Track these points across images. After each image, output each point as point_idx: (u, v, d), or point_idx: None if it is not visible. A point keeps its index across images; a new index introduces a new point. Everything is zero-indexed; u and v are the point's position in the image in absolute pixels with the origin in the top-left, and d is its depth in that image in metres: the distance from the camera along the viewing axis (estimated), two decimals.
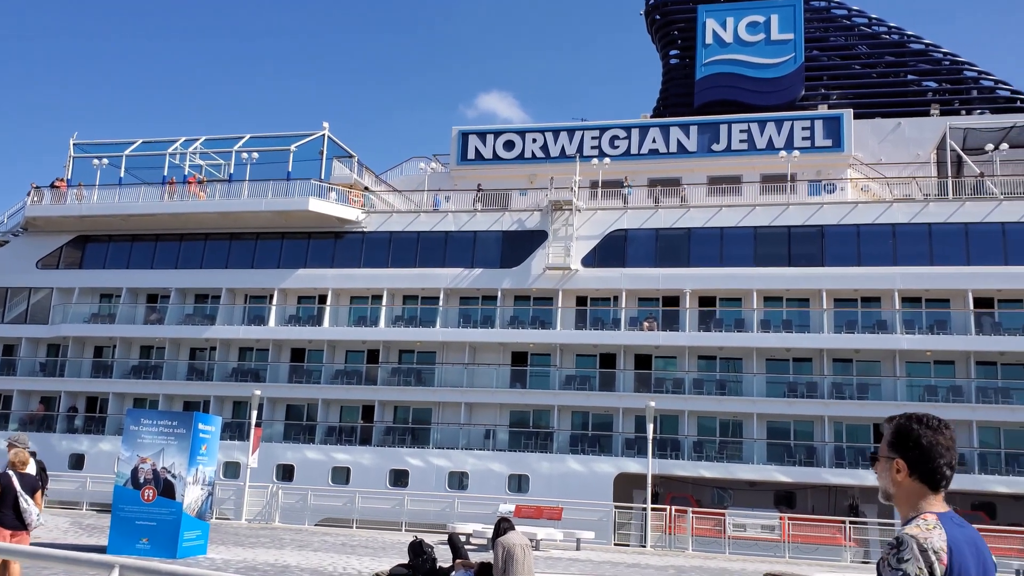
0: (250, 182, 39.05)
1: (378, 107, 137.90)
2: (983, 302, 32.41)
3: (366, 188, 40.52)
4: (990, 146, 35.56)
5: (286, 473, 34.75)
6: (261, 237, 39.31)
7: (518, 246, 36.57)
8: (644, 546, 27.74)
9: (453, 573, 11.82)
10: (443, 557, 13.62)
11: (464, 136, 41.56)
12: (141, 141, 42.38)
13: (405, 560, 13.46)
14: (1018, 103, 40.71)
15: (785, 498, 32.69)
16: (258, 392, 32.38)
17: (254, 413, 31.55)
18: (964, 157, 35.93)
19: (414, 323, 37.17)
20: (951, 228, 32.72)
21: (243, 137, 41.16)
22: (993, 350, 31.46)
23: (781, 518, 28.45)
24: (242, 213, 38.51)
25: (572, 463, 32.80)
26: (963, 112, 40.33)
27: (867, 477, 30.81)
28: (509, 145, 40.96)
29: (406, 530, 28.71)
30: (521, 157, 40.66)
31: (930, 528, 2.85)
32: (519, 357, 36.32)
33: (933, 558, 2.75)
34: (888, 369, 32.50)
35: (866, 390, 32.47)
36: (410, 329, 36.77)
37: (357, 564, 17.51)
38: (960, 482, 30.02)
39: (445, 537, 14.14)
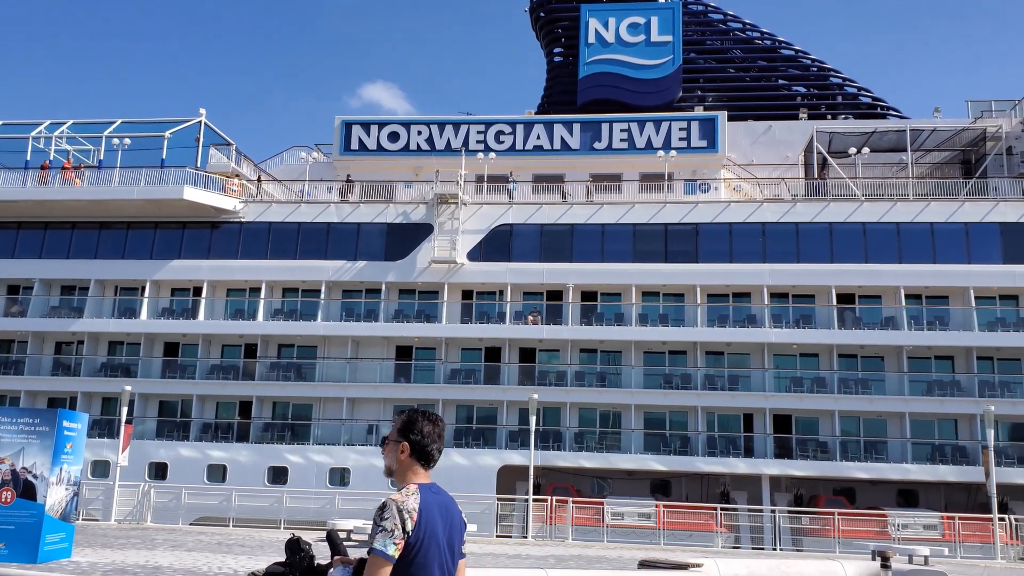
0: (121, 169, 37.37)
1: (258, 95, 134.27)
2: (845, 298, 34.28)
3: (255, 177, 39.41)
4: (853, 149, 37.63)
5: (159, 471, 33.53)
6: (133, 226, 37.70)
7: (403, 239, 36.36)
8: (526, 537, 28.11)
9: (331, 570, 11.67)
10: (322, 554, 13.45)
11: (347, 126, 40.96)
12: (1, 123, 39.93)
13: (282, 558, 13.22)
14: (879, 109, 43.21)
15: (661, 486, 33.77)
16: (128, 388, 31.07)
17: (124, 410, 30.26)
18: (829, 160, 37.89)
19: (294, 317, 36.44)
20: (816, 227, 34.46)
21: (114, 122, 39.34)
22: (854, 343, 33.34)
23: (657, 506, 29.37)
24: (113, 201, 36.83)
25: (456, 457, 32.90)
26: (829, 117, 42.49)
27: (738, 465, 32.19)
28: (394, 137, 40.63)
29: (285, 528, 28.17)
30: (406, 149, 40.40)
31: (409, 495, 3.74)
32: (403, 351, 36.15)
33: (407, 516, 3.67)
34: (757, 361, 33.98)
35: (737, 381, 33.87)
36: (290, 323, 36.03)
37: (233, 563, 17.08)
38: (823, 468, 31.84)
39: (324, 534, 13.97)
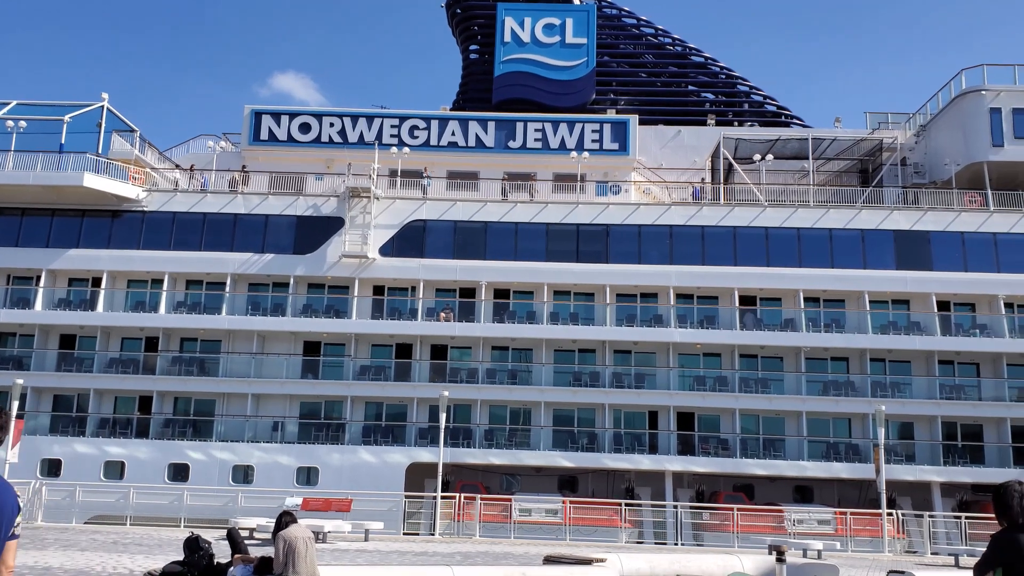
0: (16, 153, 35.67)
1: (165, 82, 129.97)
2: (747, 300, 35.35)
3: (164, 165, 38.16)
4: (758, 156, 38.84)
5: (52, 468, 32.19)
6: (28, 213, 36.07)
7: (313, 232, 35.81)
8: (433, 534, 28.06)
9: (231, 569, 11.47)
10: (223, 553, 13.18)
11: (257, 116, 40.07)
12: None
13: (181, 557, 12.91)
14: (783, 118, 44.66)
15: (569, 483, 34.20)
16: (20, 381, 29.63)
17: (15, 404, 28.91)
18: (735, 165, 39.00)
19: (198, 309, 35.49)
20: (721, 231, 35.44)
21: (9, 103, 37.54)
22: (755, 344, 34.41)
23: (564, 502, 29.71)
24: (6, 186, 35.15)
25: (364, 454, 32.63)
26: (736, 123, 43.70)
27: (642, 462, 32.85)
28: (305, 128, 39.95)
29: (185, 527, 27.41)
30: (318, 141, 39.76)
31: None
32: (311, 347, 35.61)
33: None
34: (663, 360, 34.73)
35: (643, 380, 34.55)
36: (193, 316, 35.08)
37: (129, 563, 16.56)
38: (723, 465, 32.76)
39: (225, 533, 13.68)
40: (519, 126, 39.72)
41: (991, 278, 34.29)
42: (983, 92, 36.79)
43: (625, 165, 39.21)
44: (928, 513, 29.90)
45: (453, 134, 39.80)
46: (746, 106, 45.64)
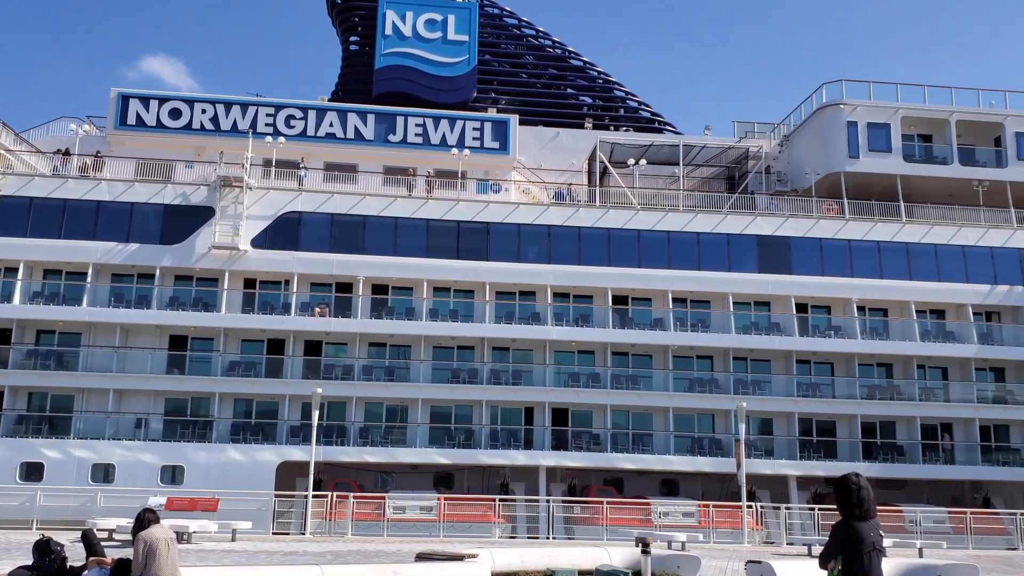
0: None
1: (21, 60, 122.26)
2: (620, 299, 36.29)
3: (17, 147, 35.85)
4: (632, 160, 39.93)
5: None
6: None
7: (181, 222, 34.52)
8: (304, 533, 27.58)
9: (86, 572, 10.98)
10: (77, 556, 12.58)
11: (124, 99, 38.27)
12: None
13: (30, 561, 12.24)
14: (656, 124, 46.11)
15: (444, 479, 34.28)
16: None
17: None
18: (610, 169, 39.98)
19: (56, 300, 33.64)
20: (597, 232, 36.26)
21: None
22: (626, 342, 35.39)
23: (438, 499, 29.77)
24: None
25: (233, 452, 31.73)
26: (612, 128, 44.80)
27: (517, 457, 33.26)
28: (175, 113, 38.45)
29: (38, 528, 25.95)
30: (189, 128, 38.31)
31: None
32: (178, 341, 34.34)
33: None
34: (539, 358, 35.26)
35: (520, 377, 34.98)
36: (51, 307, 33.21)
37: None
38: (595, 460, 33.58)
39: (80, 534, 13.06)
40: (399, 120, 39.45)
41: (845, 282, 36.41)
42: (842, 106, 39.01)
43: (505, 164, 39.54)
44: (785, 505, 31.48)
45: (331, 125, 39.16)
46: (622, 111, 46.86)
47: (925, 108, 39.47)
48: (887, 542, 19.48)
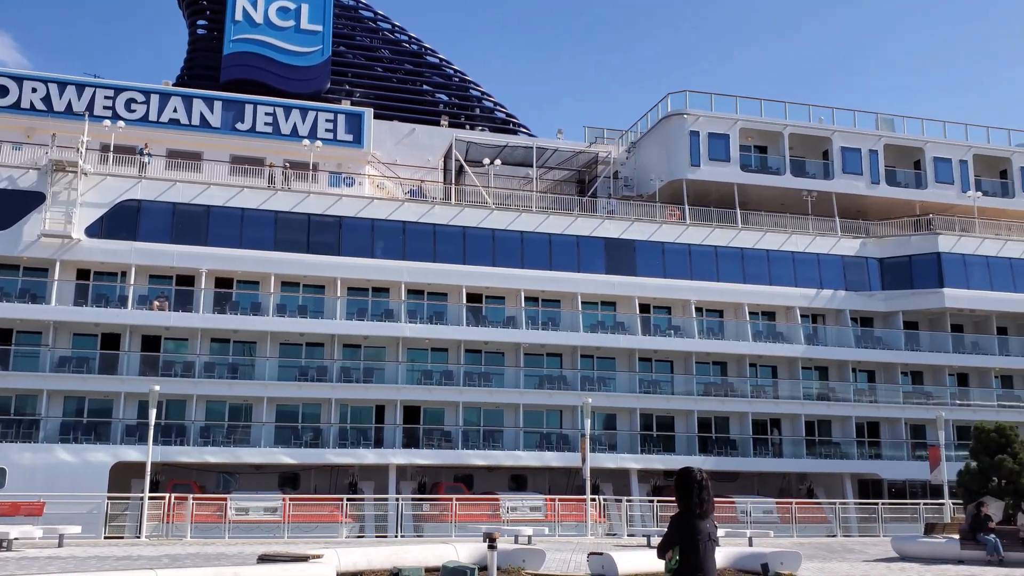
0: None
1: None
2: (474, 297, 36.58)
3: None
4: (487, 160, 40.32)
5: None
6: None
7: (7, 207, 32.18)
8: (139, 537, 26.30)
9: None
10: None
11: None
12: None
13: None
14: (511, 125, 46.76)
15: (290, 479, 33.52)
16: None
17: None
18: (466, 167, 40.22)
19: None
20: (452, 230, 36.39)
21: None
22: (479, 340, 35.70)
23: (283, 499, 29.07)
24: None
25: (62, 453, 29.85)
26: (468, 127, 45.09)
27: (367, 456, 32.97)
28: (3, 91, 35.82)
29: None
30: (17, 107, 35.76)
31: None
32: (2, 335, 32.00)
33: None
34: (392, 355, 35.04)
35: (371, 374, 34.65)
36: None
37: None
38: (445, 457, 33.73)
39: None
40: (248, 108, 38.24)
41: (685, 284, 38.12)
42: (685, 116, 40.81)
43: (359, 158, 39.05)
44: (626, 498, 32.64)
45: (175, 111, 37.51)
46: (478, 111, 47.25)
47: (761, 121, 41.89)
48: (720, 532, 20.59)
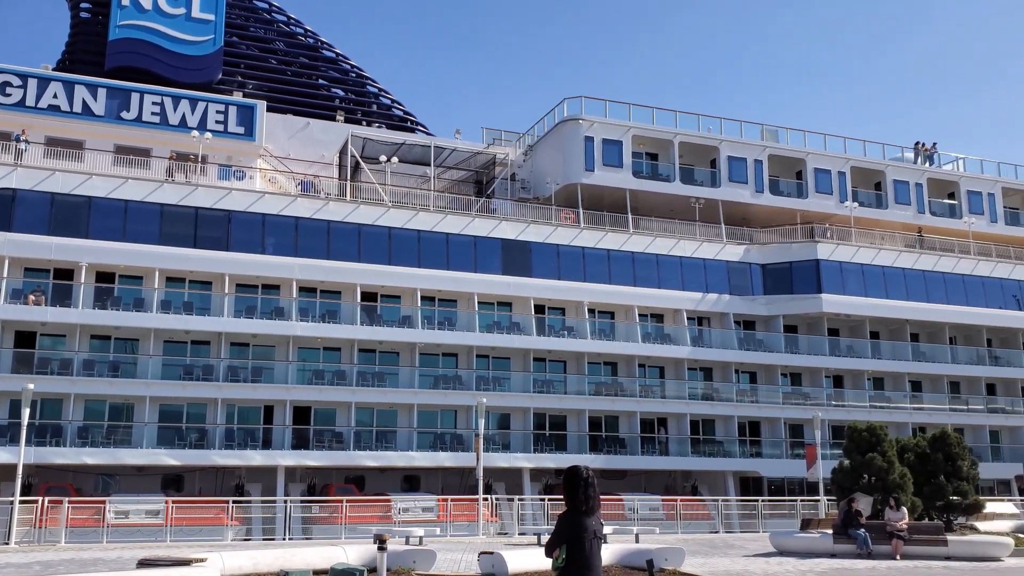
0: None
1: None
2: (369, 296, 36.21)
3: None
4: (384, 157, 39.98)
5: None
6: None
7: None
8: (8, 543, 24.94)
9: None
10: None
11: None
12: None
13: None
14: (409, 123, 46.49)
15: (174, 481, 32.44)
16: None
17: None
18: (362, 164, 39.79)
19: None
20: (347, 227, 35.93)
21: None
22: (374, 339, 35.36)
23: (166, 502, 28.09)
24: None
25: None
26: (365, 123, 44.60)
27: (254, 457, 32.19)
28: None
29: None
30: None
31: None
32: None
33: None
34: (282, 354, 34.32)
35: (260, 373, 33.86)
36: None
37: None
38: (336, 458, 33.29)
39: None
40: (134, 96, 36.82)
41: (579, 286, 38.76)
42: (580, 121, 41.48)
43: (251, 151, 38.12)
44: (518, 497, 32.92)
45: (55, 97, 35.78)
46: (375, 107, 46.80)
47: (653, 128, 42.99)
48: (608, 529, 21.04)
